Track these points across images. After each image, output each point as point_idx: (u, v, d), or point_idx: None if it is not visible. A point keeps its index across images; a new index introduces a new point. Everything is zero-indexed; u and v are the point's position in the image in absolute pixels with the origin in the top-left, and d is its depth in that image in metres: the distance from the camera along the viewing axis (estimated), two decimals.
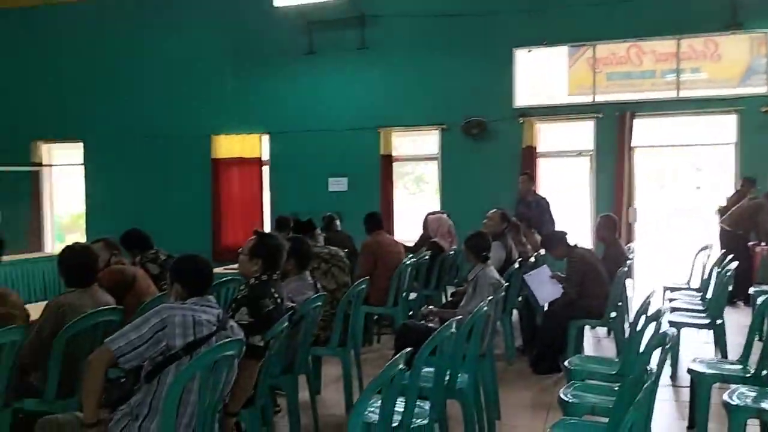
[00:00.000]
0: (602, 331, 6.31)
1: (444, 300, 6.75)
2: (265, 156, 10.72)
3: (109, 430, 2.48)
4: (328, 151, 10.31)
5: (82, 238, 11.29)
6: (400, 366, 2.43)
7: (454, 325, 3.08)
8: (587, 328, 5.83)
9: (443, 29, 9.68)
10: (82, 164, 11.43)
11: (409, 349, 2.50)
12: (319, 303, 3.80)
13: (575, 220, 9.10)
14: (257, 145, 10.67)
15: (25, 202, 11.46)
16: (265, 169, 10.74)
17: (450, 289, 6.81)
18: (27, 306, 3.53)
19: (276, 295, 3.18)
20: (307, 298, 3.68)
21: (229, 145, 10.70)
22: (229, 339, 2.64)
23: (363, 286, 4.52)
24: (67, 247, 3.47)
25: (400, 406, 2.79)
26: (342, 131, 10.21)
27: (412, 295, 6.37)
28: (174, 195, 10.83)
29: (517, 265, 5.53)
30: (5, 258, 8.09)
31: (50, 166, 11.76)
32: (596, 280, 5.24)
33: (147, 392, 2.51)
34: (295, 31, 10.37)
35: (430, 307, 4.96)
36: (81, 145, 11.42)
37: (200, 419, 2.55)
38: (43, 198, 11.65)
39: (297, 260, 3.84)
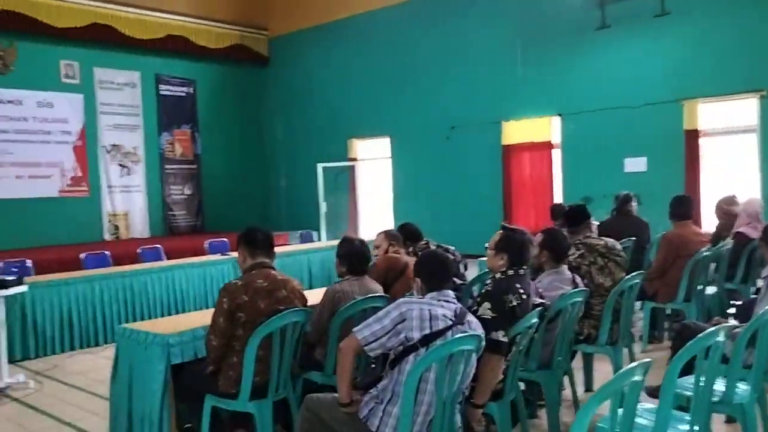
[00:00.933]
0: None
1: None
2: (556, 139, 10.49)
3: (360, 410, 2.75)
4: (623, 130, 9.70)
5: (390, 225, 12.48)
6: (636, 377, 2.24)
7: (722, 332, 2.71)
8: None
9: None
10: (389, 158, 12.58)
11: (647, 359, 2.28)
12: (579, 299, 3.65)
13: None
14: (547, 128, 10.49)
15: (344, 193, 13.07)
16: (556, 152, 10.51)
17: (759, 283, 5.88)
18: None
19: (521, 291, 3.15)
20: (563, 294, 3.56)
21: (518, 130, 10.74)
22: (465, 334, 2.72)
23: (636, 280, 4.20)
24: (345, 239, 3.90)
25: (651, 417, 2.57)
26: (639, 107, 9.51)
27: (711, 290, 5.68)
28: (467, 182, 11.28)
29: None
30: (332, 242, 9.44)
31: (363, 160, 13.18)
32: None
33: (390, 379, 2.72)
34: (586, 6, 9.91)
35: (718, 318, 4.35)
36: (388, 140, 12.56)
37: (438, 408, 2.68)
38: (358, 189, 13.13)
39: (552, 253, 3.73)
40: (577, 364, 4.47)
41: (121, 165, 12.21)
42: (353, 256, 3.77)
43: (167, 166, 12.85)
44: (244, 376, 3.23)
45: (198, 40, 13.13)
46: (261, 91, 14.52)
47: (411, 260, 4.47)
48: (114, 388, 3.75)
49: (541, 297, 3.35)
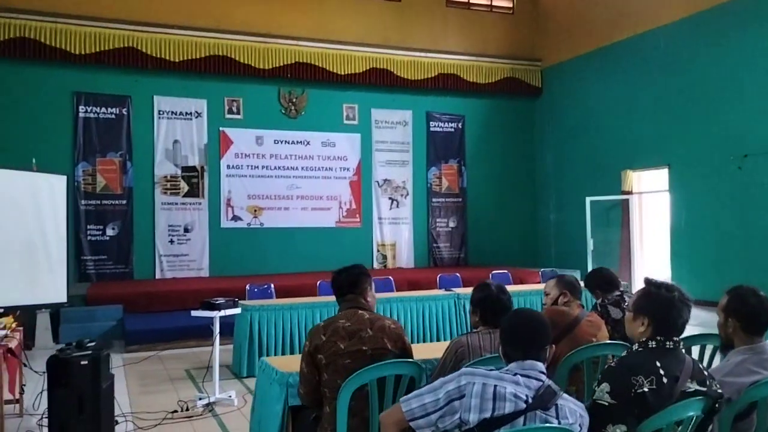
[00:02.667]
0: None
1: None
2: None
3: None
4: None
5: (666, 265, 10.92)
6: None
7: None
8: None
9: None
10: (667, 190, 11.06)
11: None
12: None
13: None
14: None
15: (615, 229, 11.84)
16: None
17: None
18: None
19: (662, 372, 2.29)
20: (758, 381, 2.53)
21: None
22: (546, 425, 2.06)
23: None
24: (481, 284, 3.37)
25: None
26: None
27: None
28: (763, 219, 9.28)
29: None
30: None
31: (639, 193, 11.81)
32: None
33: None
34: None
35: None
36: (666, 171, 11.06)
37: None
38: (632, 224, 11.77)
39: (742, 322, 2.67)
40: None
41: (390, 198, 12.89)
42: (486, 303, 3.21)
43: (433, 200, 13.18)
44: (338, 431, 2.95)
45: (468, 76, 13.30)
46: (531, 122, 14.09)
47: (588, 318, 3.72)
48: (252, 419, 3.79)
49: (703, 383, 2.38)
